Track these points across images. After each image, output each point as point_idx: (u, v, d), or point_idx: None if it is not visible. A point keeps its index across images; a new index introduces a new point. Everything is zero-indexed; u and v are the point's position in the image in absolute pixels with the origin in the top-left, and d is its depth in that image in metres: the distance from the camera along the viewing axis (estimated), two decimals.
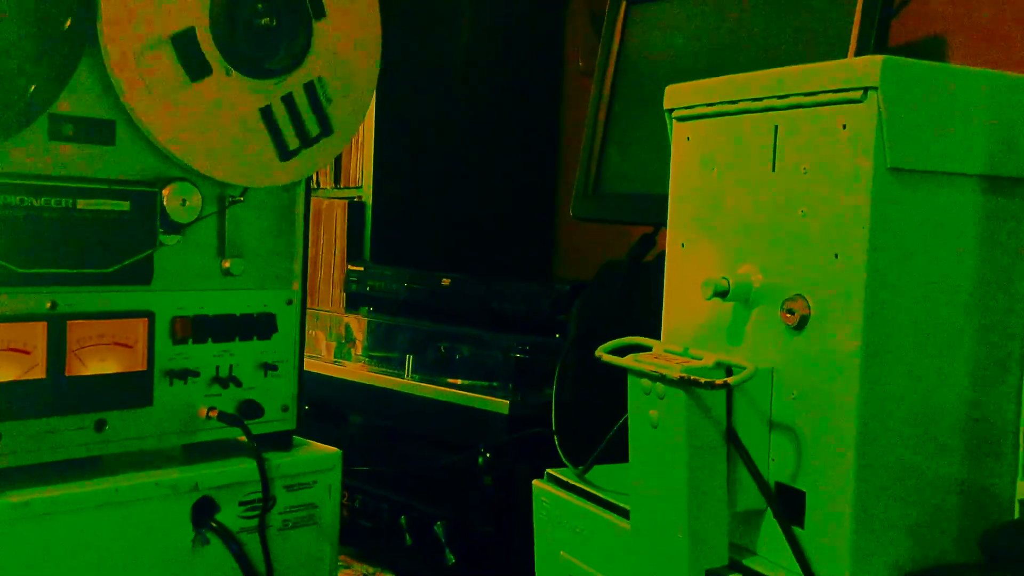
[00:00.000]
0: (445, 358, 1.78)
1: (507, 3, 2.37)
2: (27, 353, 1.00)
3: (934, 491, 0.84)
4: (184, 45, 1.05)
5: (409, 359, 1.79)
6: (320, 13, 1.15)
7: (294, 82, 1.14)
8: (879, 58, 0.79)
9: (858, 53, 1.29)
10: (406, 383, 1.77)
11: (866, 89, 0.80)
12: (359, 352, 1.97)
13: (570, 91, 2.42)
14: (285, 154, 1.14)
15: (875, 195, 0.80)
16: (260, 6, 1.10)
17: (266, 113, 1.12)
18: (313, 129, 1.16)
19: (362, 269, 2.09)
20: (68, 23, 0.97)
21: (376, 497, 1.77)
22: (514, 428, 1.60)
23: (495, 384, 1.68)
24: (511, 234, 2.43)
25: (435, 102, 2.30)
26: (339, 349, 2.02)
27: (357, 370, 1.90)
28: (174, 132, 1.06)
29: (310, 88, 1.16)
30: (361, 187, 2.26)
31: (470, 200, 2.36)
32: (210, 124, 1.08)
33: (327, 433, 1.36)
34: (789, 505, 0.86)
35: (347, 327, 2.02)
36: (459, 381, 1.73)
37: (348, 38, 1.19)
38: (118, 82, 1.02)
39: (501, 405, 1.61)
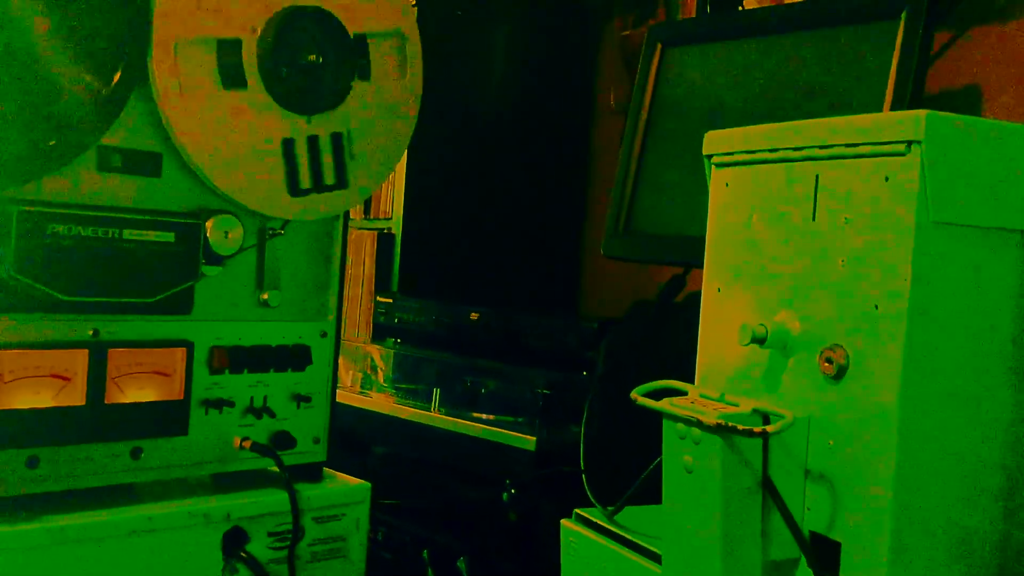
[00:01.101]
0: (471, 392, 1.79)
1: (541, 40, 2.39)
2: (68, 380, 1.02)
3: (972, 544, 0.84)
4: (226, 51, 1.06)
5: (436, 392, 1.79)
6: (365, 75, 1.17)
7: (323, 127, 1.15)
8: (923, 113, 0.80)
9: (895, 101, 1.30)
10: (433, 416, 1.77)
11: (910, 143, 0.81)
12: (385, 383, 1.98)
13: (600, 129, 2.44)
14: (295, 190, 1.15)
15: (917, 248, 0.80)
16: (311, 42, 1.12)
17: (287, 145, 1.13)
18: (329, 178, 1.17)
19: (391, 301, 2.11)
20: (120, 59, 0.99)
21: (399, 530, 1.77)
22: (540, 464, 1.60)
23: (521, 420, 1.68)
24: (538, 269, 2.44)
25: (466, 136, 2.32)
26: (365, 380, 2.03)
27: (383, 401, 1.91)
28: (214, 153, 1.08)
29: (337, 139, 1.17)
30: (391, 219, 2.28)
31: (498, 234, 2.38)
32: (237, 139, 1.10)
33: (350, 463, 1.37)
34: (824, 555, 0.85)
35: (373, 358, 2.03)
36: (485, 416, 1.73)
37: (387, 105, 1.21)
38: (166, 117, 1.04)
39: (527, 441, 1.61)
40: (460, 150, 2.30)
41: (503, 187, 2.36)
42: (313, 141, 1.16)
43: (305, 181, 1.16)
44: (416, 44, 1.23)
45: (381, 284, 2.23)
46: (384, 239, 2.26)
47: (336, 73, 1.15)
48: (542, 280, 2.43)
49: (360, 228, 2.30)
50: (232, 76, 1.08)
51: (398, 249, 2.25)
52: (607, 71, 2.38)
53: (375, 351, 2.02)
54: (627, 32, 2.24)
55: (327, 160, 1.17)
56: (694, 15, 1.95)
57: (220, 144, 1.08)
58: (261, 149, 1.12)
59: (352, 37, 1.16)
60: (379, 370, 2.00)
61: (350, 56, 1.16)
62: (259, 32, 1.08)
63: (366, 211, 2.35)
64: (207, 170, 1.07)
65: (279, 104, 1.11)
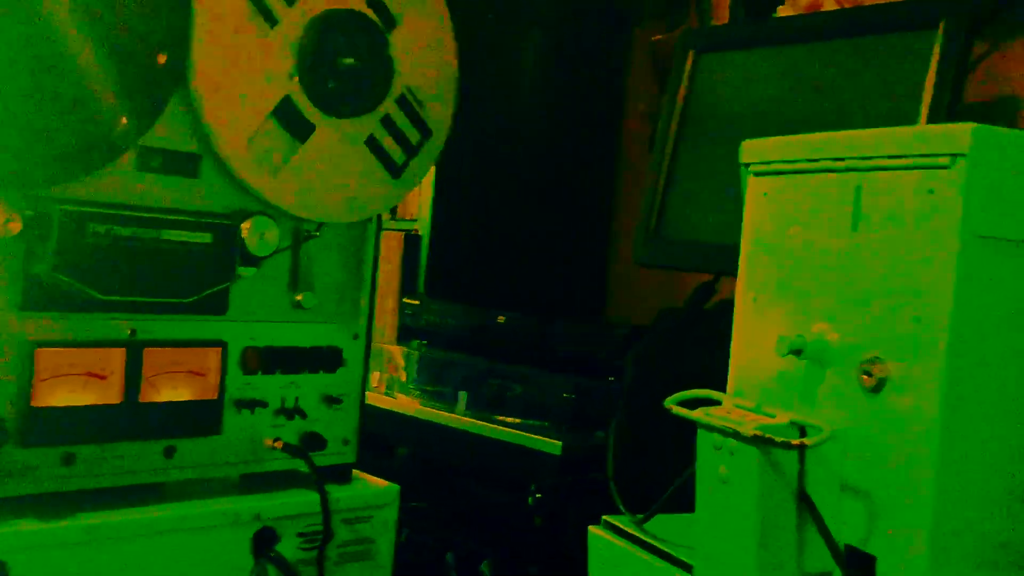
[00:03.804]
0: (497, 395, 1.79)
1: (571, 45, 2.39)
2: (104, 378, 1.02)
3: (1013, 563, 0.83)
4: (285, 112, 1.09)
5: (463, 395, 1.79)
6: (391, 23, 1.17)
7: (362, 128, 1.16)
8: (968, 126, 0.79)
9: (931, 111, 1.29)
10: (458, 419, 1.77)
11: (954, 155, 0.80)
12: (410, 385, 1.98)
13: (628, 134, 2.43)
14: (395, 171, 1.18)
15: (960, 261, 0.79)
16: (348, 45, 1.12)
17: (371, 142, 1.16)
18: (414, 136, 1.19)
19: (418, 303, 2.11)
20: (163, 60, 1.00)
21: (423, 532, 1.78)
22: (566, 469, 1.59)
23: (546, 424, 1.68)
24: (564, 272, 2.43)
25: (495, 139, 2.32)
26: (390, 381, 2.03)
27: (408, 403, 1.91)
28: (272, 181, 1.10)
29: (402, 101, 1.18)
30: (417, 220, 2.28)
31: (525, 237, 2.38)
32: (315, 171, 1.12)
33: (374, 465, 1.37)
34: (859, 569, 0.85)
35: (399, 359, 2.03)
36: (510, 419, 1.73)
37: (423, 39, 1.21)
38: (205, 119, 1.04)
39: (554, 446, 1.61)
40: (488, 152, 2.30)
41: (531, 190, 2.36)
42: (387, 120, 1.18)
43: (399, 157, 1.20)
44: (450, 38, 1.24)
45: (407, 285, 2.23)
46: (411, 240, 2.26)
47: (373, 75, 1.16)
48: (568, 284, 2.42)
49: (387, 229, 2.31)
50: (301, 130, 1.12)
51: (425, 251, 2.25)
52: (637, 76, 2.37)
53: (401, 352, 2.03)
54: (657, 37, 2.23)
55: (406, 126, 1.20)
56: (726, 21, 1.94)
57: (311, 181, 1.12)
58: (357, 163, 1.15)
59: (388, 37, 1.17)
60: (403, 371, 2.00)
61: (371, 25, 1.16)
62: (298, 74, 1.10)
63: (393, 212, 2.35)
64: (244, 172, 1.08)
65: (317, 107, 1.11)
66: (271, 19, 1.07)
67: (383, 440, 1.91)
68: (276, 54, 1.08)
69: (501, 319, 1.93)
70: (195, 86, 1.04)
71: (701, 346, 1.40)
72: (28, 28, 0.92)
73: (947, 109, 1.27)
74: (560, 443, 1.60)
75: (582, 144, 2.43)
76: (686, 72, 1.61)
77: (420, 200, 2.27)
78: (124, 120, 0.98)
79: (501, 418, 1.73)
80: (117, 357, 1.03)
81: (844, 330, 0.89)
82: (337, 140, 1.13)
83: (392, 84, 1.17)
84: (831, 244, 0.91)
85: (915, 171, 0.83)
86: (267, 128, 1.08)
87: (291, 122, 1.10)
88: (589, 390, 1.67)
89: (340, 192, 1.15)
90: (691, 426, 0.92)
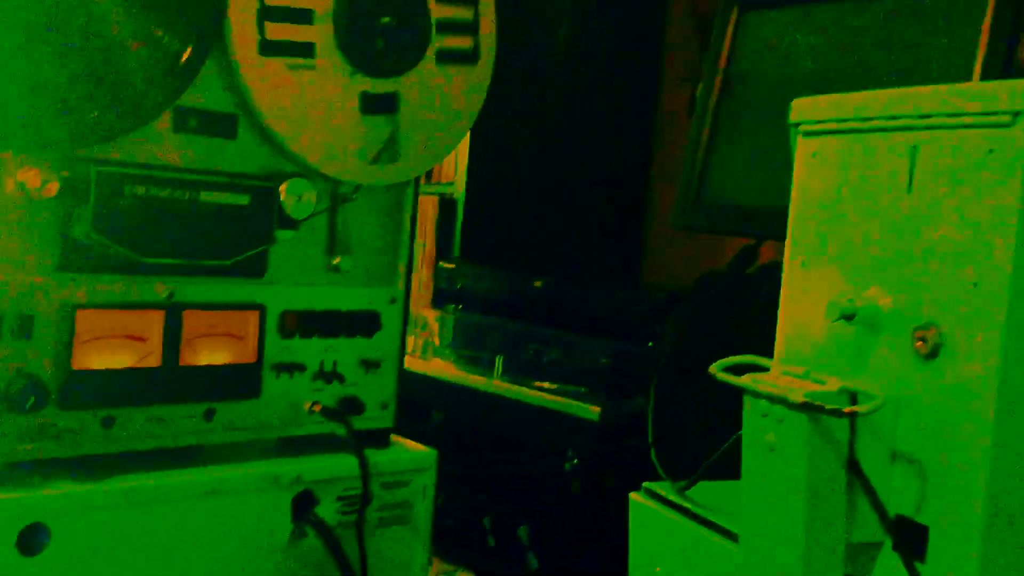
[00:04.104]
0: (534, 360, 1.78)
1: (607, 6, 2.35)
2: (143, 340, 1.02)
3: None
4: (322, 72, 1.07)
5: (499, 360, 1.78)
6: (440, 34, 1.16)
7: (399, 89, 1.15)
8: None
9: (984, 69, 1.25)
10: (495, 384, 1.77)
11: (1016, 114, 0.77)
12: (445, 349, 1.98)
13: (667, 96, 2.40)
14: None
15: (1020, 224, 0.76)
16: (385, 4, 1.10)
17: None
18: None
19: (454, 267, 2.10)
20: (198, 20, 0.98)
21: (460, 496, 1.78)
22: (604, 435, 1.59)
23: (583, 389, 1.67)
24: (599, 237, 2.41)
25: (530, 102, 2.29)
26: (426, 346, 2.03)
27: (444, 367, 1.91)
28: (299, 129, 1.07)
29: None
30: (454, 183, 2.27)
31: (560, 201, 2.35)
32: (351, 131, 1.09)
33: (409, 428, 1.37)
34: (910, 539, 0.83)
35: (433, 323, 2.02)
36: (547, 384, 1.72)
37: (462, 64, 1.20)
38: (242, 79, 1.03)
39: (591, 412, 1.60)
40: (524, 116, 2.27)
41: (566, 153, 2.34)
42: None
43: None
44: (490, 49, 1.22)
45: (442, 249, 2.22)
46: (446, 204, 2.25)
47: (411, 34, 1.13)
48: (603, 248, 2.40)
49: (422, 193, 2.29)
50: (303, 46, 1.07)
51: (460, 215, 2.24)
52: (676, 36, 2.33)
53: (437, 316, 2.02)
54: None
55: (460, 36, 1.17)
56: None
57: (295, 107, 1.07)
58: (336, 113, 1.11)
59: (432, 22, 1.15)
60: (441, 336, 2.00)
61: (424, 16, 1.14)
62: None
63: (428, 176, 2.34)
64: (282, 133, 1.06)
65: (355, 68, 1.09)
66: None
67: (418, 404, 1.91)
68: (314, 11, 1.07)
69: (538, 284, 1.91)
70: (231, 45, 1.02)
71: (744, 312, 1.38)
72: None
73: (1002, 67, 1.23)
74: (598, 409, 1.59)
75: (619, 106, 2.39)
76: (729, 30, 1.57)
77: (456, 163, 2.25)
78: (161, 79, 0.97)
79: (538, 383, 1.72)
80: (156, 320, 1.02)
81: (897, 295, 0.86)
82: (345, 87, 1.10)
83: (430, 43, 1.15)
84: (884, 206, 0.88)
85: (975, 130, 0.80)
86: (281, 33, 1.06)
87: (307, 42, 1.07)
88: (626, 355, 1.66)
89: (328, 141, 1.12)
90: (733, 392, 0.90)
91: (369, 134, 1.14)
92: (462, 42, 1.19)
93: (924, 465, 0.83)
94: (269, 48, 1.04)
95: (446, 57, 1.17)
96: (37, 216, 0.96)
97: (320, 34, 1.07)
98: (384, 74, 1.12)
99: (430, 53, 1.16)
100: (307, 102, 1.08)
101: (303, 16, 1.06)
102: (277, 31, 1.04)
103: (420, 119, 1.17)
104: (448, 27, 1.17)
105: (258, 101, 1.04)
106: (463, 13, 1.18)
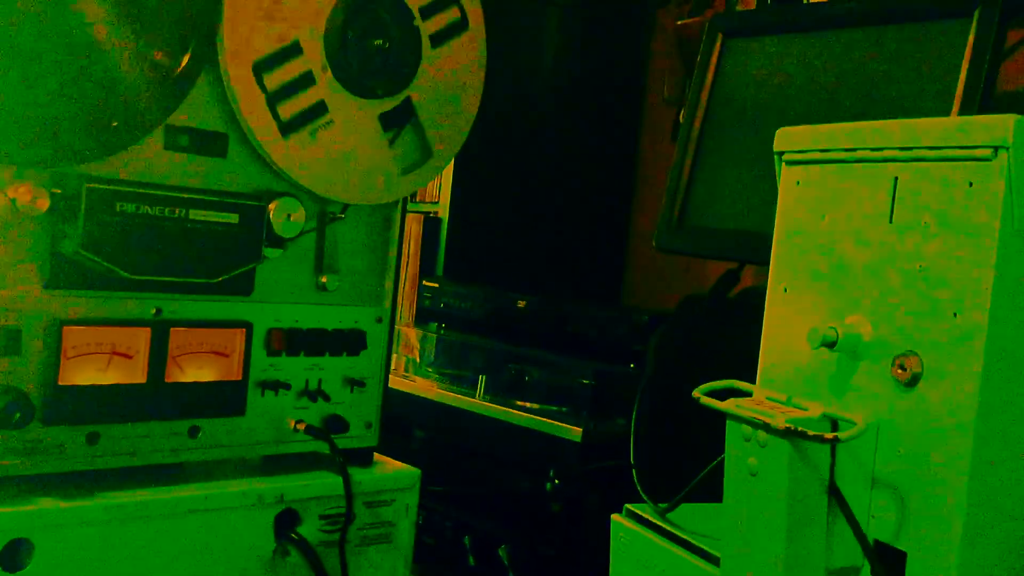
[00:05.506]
0: (516, 380, 1.78)
1: (593, 27, 2.37)
2: (129, 357, 1.02)
3: None
4: (313, 92, 1.09)
5: (482, 379, 1.79)
6: (431, 49, 1.18)
7: (392, 107, 1.16)
8: (1011, 117, 0.78)
9: (964, 101, 1.27)
10: (477, 403, 1.77)
11: (996, 148, 0.79)
12: (428, 368, 1.98)
13: (649, 120, 2.42)
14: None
15: (1000, 256, 0.78)
16: (376, 26, 1.11)
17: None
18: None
19: (437, 285, 2.10)
20: (189, 39, 0.99)
21: (440, 515, 1.78)
22: (586, 456, 1.59)
23: (565, 410, 1.68)
24: (582, 258, 2.42)
25: (515, 122, 2.31)
26: (408, 364, 2.03)
27: (427, 386, 1.91)
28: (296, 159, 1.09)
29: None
30: (438, 203, 2.27)
31: (544, 222, 2.37)
32: (341, 152, 1.12)
33: (391, 447, 1.37)
34: (889, 565, 0.84)
35: (414, 341, 2.03)
36: (530, 404, 1.72)
37: (454, 81, 1.22)
38: (233, 97, 1.04)
39: (574, 432, 1.60)
40: (508, 135, 2.29)
41: (551, 174, 2.35)
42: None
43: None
44: (478, 13, 1.23)
45: (426, 268, 2.22)
46: (430, 222, 2.25)
47: (402, 53, 1.15)
48: (586, 269, 2.41)
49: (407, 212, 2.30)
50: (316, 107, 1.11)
51: (444, 233, 2.24)
52: (660, 60, 2.35)
53: (419, 335, 2.02)
54: (682, 21, 2.21)
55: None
56: (752, 6, 1.92)
57: (331, 166, 1.11)
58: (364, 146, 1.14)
59: (415, 13, 1.16)
60: (424, 355, 2.00)
61: (408, 16, 1.15)
62: (326, 19, 1.09)
63: (412, 195, 2.34)
64: (326, 194, 1.09)
65: (347, 90, 1.11)
66: None
67: (400, 422, 1.90)
68: (305, 33, 1.07)
69: (521, 303, 1.92)
70: (223, 63, 1.03)
71: (724, 334, 1.39)
72: (54, 7, 0.91)
73: (981, 99, 1.26)
74: (580, 429, 1.59)
75: (603, 128, 2.41)
76: (714, 57, 1.59)
77: (440, 183, 2.26)
78: (152, 97, 0.97)
79: (520, 403, 1.73)
80: (143, 336, 1.02)
81: (878, 323, 0.87)
82: (365, 121, 1.12)
83: (420, 66, 1.16)
84: (866, 235, 0.90)
85: (955, 163, 0.82)
86: (294, 107, 1.07)
87: (318, 101, 1.08)
88: (608, 376, 1.66)
89: (365, 174, 1.14)
90: (714, 416, 0.91)
91: (397, 146, 1.17)
92: (450, 16, 1.20)
93: (903, 491, 0.84)
94: (289, 128, 1.07)
95: (440, 38, 1.18)
96: (27, 232, 0.96)
97: (326, 85, 1.09)
98: (394, 90, 1.14)
99: (426, 44, 1.17)
100: (338, 153, 1.12)
101: (305, 81, 1.08)
102: (289, 108, 1.07)
103: (437, 109, 1.20)
104: (432, 9, 1.18)
105: (297, 175, 1.10)
106: None
